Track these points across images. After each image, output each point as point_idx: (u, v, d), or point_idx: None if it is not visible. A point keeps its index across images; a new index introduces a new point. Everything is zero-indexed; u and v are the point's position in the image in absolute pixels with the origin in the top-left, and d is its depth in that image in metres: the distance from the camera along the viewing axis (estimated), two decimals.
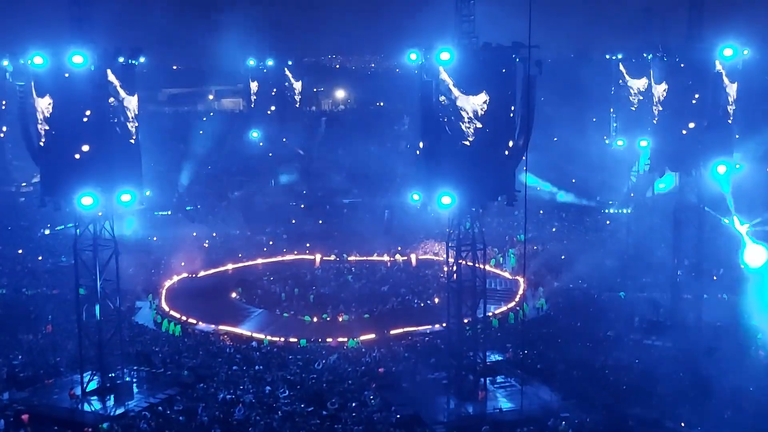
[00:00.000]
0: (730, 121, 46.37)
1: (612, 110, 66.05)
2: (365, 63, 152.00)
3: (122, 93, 39.08)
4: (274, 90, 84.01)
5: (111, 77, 38.49)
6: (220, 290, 59.89)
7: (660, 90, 46.59)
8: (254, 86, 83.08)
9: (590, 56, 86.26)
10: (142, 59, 39.53)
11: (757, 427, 34.55)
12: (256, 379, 41.93)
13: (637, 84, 58.77)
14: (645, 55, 49.55)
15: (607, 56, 67.13)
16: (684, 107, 45.56)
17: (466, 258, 39.45)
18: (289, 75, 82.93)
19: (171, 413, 37.51)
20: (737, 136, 48.06)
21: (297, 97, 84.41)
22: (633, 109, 60.34)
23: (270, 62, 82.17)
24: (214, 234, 74.11)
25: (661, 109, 46.69)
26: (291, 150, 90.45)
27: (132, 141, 39.95)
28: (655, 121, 47.57)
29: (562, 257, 63.48)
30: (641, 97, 57.00)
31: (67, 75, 37.99)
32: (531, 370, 42.04)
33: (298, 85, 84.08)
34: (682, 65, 45.45)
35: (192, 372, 42.73)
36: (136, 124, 40.10)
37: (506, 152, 37.91)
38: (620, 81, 60.54)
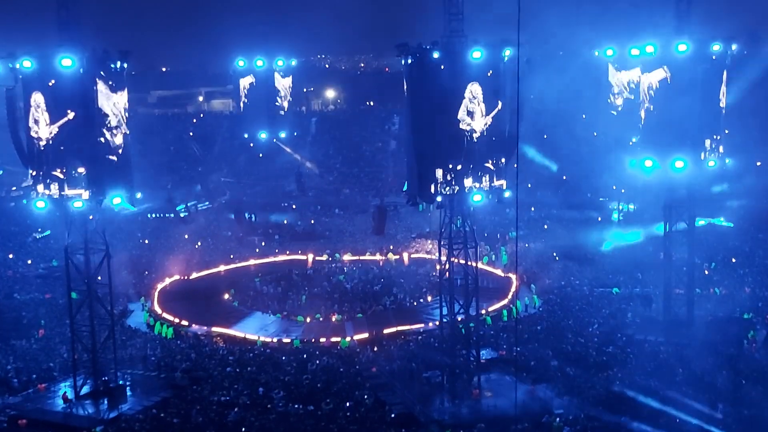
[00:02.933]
0: (718, 116, 46.57)
1: (601, 106, 66.16)
2: (355, 63, 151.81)
3: (111, 96, 39.04)
4: (263, 90, 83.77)
5: (100, 80, 38.44)
6: (212, 292, 59.79)
7: (648, 85, 46.70)
8: (243, 87, 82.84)
9: (579, 52, 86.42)
10: (131, 61, 39.48)
11: (750, 420, 34.67)
12: (250, 380, 41.90)
13: (625, 79, 58.93)
14: (633, 50, 49.67)
15: (596, 52, 67.28)
16: (672, 102, 45.68)
17: (458, 256, 39.53)
18: (279, 76, 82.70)
19: (165, 416, 37.43)
20: (726, 131, 48.22)
21: (287, 98, 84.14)
22: (620, 105, 60.50)
23: (259, 63, 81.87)
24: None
25: (649, 104, 46.82)
26: (282, 151, 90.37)
27: (122, 144, 39.91)
28: (642, 117, 47.67)
29: (555, 255, 63.55)
30: (630, 94, 57.18)
31: (55, 79, 38.00)
32: (525, 367, 42.12)
33: (288, 85, 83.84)
34: (671, 60, 45.55)
35: (185, 374, 42.67)
36: (127, 131, 40.07)
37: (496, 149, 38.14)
38: (609, 77, 60.70)
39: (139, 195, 42.84)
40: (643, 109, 47.48)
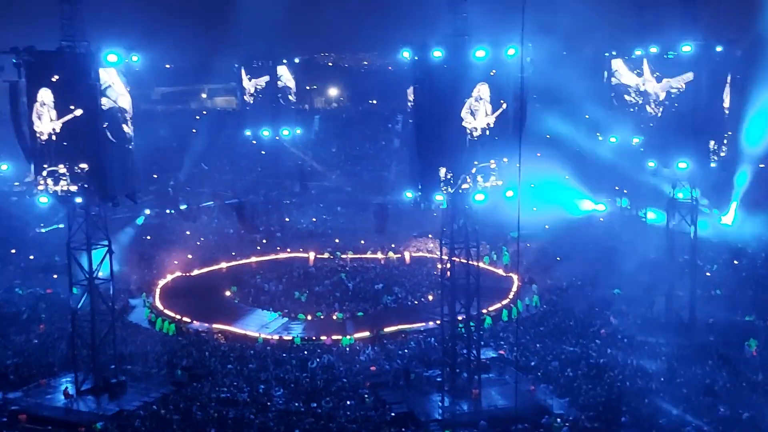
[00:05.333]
0: (722, 118, 46.60)
1: (605, 107, 66.05)
2: (358, 61, 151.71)
3: (116, 93, 39.06)
4: (267, 87, 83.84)
5: (104, 77, 38.46)
6: (214, 289, 59.83)
7: (652, 86, 46.71)
8: (247, 84, 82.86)
9: (583, 53, 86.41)
10: (135, 58, 39.47)
11: (750, 423, 34.67)
12: (251, 377, 41.92)
13: (630, 80, 58.81)
14: (638, 51, 49.67)
15: (601, 53, 67.12)
16: (676, 103, 45.69)
17: (459, 255, 39.52)
18: (283, 73, 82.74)
19: (165, 412, 37.47)
20: (729, 133, 48.22)
21: (291, 96, 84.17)
22: (625, 105, 60.36)
23: (263, 60, 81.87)
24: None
25: (653, 105, 46.81)
26: (285, 148, 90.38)
27: (126, 140, 39.95)
28: (649, 116, 47.67)
29: (557, 258, 63.46)
30: (634, 95, 57.14)
31: (60, 74, 38.04)
32: (525, 368, 42.13)
33: (291, 83, 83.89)
34: (675, 61, 45.55)
35: (186, 371, 42.70)
36: (131, 127, 40.09)
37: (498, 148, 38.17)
38: (612, 78, 60.59)
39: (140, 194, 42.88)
40: (647, 111, 47.50)
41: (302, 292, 57.91)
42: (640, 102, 49.38)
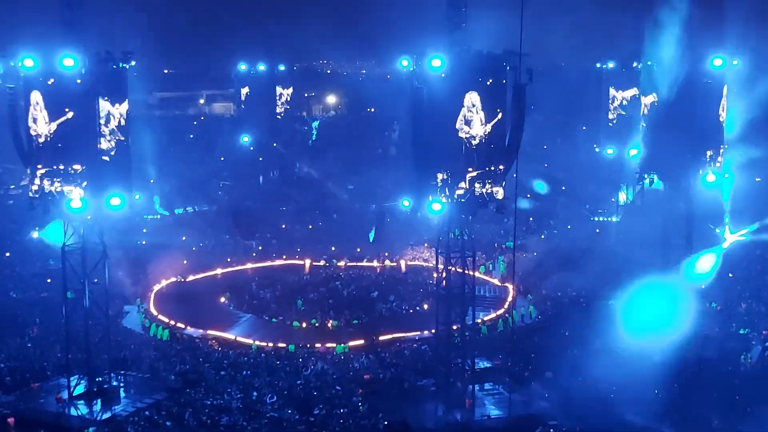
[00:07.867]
0: (719, 131, 46.73)
1: (602, 119, 66.32)
2: (356, 69, 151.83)
3: (113, 100, 39.06)
4: (264, 95, 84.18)
5: (102, 84, 38.46)
6: (208, 295, 59.69)
7: (649, 99, 46.85)
8: (245, 91, 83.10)
9: (581, 65, 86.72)
10: (132, 63, 39.49)
11: None
12: (244, 384, 41.82)
13: (627, 93, 59.08)
14: (635, 64, 49.83)
15: (598, 65, 67.42)
16: (673, 116, 45.80)
17: (455, 264, 39.52)
18: (279, 85, 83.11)
19: (158, 418, 37.37)
20: (725, 146, 48.31)
21: (287, 101, 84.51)
22: (622, 117, 60.58)
23: (261, 67, 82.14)
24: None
25: (650, 118, 46.95)
26: (282, 155, 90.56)
27: (122, 145, 39.92)
28: (643, 129, 47.81)
29: (553, 266, 63.45)
30: (630, 108, 57.39)
31: (56, 78, 38.04)
32: (519, 378, 42.06)
33: (288, 92, 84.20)
34: (672, 75, 45.65)
35: (179, 377, 42.59)
36: (126, 135, 40.06)
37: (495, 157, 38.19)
38: (610, 90, 60.91)
39: (137, 196, 42.86)
40: (642, 123, 47.67)
41: (297, 299, 57.73)
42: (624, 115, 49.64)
